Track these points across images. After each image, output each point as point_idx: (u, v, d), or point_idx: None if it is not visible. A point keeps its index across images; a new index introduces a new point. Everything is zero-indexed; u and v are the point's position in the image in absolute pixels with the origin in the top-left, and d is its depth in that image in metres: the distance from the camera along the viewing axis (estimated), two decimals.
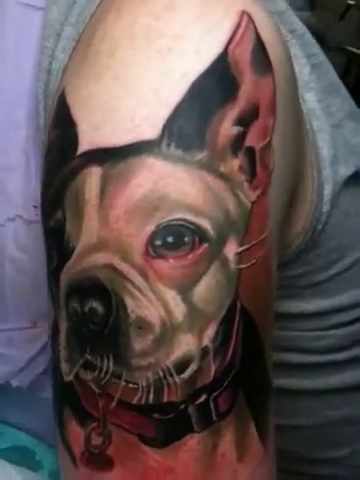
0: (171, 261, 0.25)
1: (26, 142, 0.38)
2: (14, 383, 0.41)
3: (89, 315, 0.25)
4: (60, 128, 0.28)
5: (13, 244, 0.39)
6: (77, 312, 0.26)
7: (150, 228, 0.25)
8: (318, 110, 0.36)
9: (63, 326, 0.27)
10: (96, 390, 0.26)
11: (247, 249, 0.26)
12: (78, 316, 0.26)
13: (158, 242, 0.25)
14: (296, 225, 0.34)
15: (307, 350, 0.39)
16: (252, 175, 0.27)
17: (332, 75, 0.39)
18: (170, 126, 0.25)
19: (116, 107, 0.26)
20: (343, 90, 0.39)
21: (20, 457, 0.42)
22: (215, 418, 0.25)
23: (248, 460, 0.26)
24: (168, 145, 0.25)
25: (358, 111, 0.40)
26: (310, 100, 0.36)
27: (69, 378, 0.26)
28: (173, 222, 0.25)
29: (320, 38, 0.46)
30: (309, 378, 0.41)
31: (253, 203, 0.27)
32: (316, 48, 0.38)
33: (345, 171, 0.37)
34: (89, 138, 0.26)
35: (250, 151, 0.27)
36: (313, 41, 0.38)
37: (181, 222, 0.25)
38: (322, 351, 0.40)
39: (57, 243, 0.27)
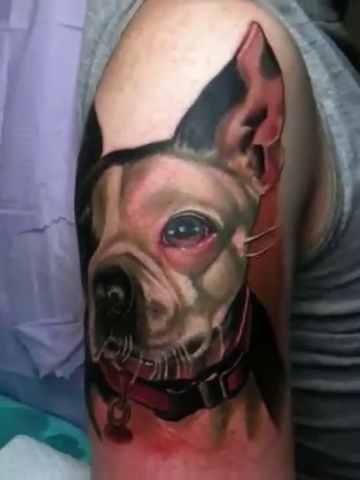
0: (183, 249, 0.27)
1: (69, 151, 0.42)
2: (58, 374, 0.44)
3: (112, 300, 0.28)
4: (89, 133, 0.31)
5: (57, 244, 0.43)
6: (102, 298, 0.28)
7: (164, 220, 0.28)
8: (336, 116, 0.37)
9: (92, 313, 0.29)
10: (118, 368, 0.28)
11: (256, 239, 0.28)
12: (103, 302, 0.28)
13: (171, 232, 0.27)
14: (317, 226, 0.36)
15: (337, 352, 0.40)
16: (261, 171, 0.29)
17: (352, 84, 0.40)
18: (183, 127, 0.28)
19: (134, 112, 0.29)
20: None
21: (64, 445, 0.45)
22: (225, 396, 0.27)
23: (259, 438, 0.27)
24: (180, 145, 0.28)
25: None
26: (329, 106, 0.37)
27: (96, 359, 0.29)
28: (184, 214, 0.27)
29: (352, 49, 0.47)
30: (341, 380, 0.41)
31: (262, 196, 0.29)
32: (336, 58, 0.39)
33: None
34: (111, 141, 0.29)
35: (259, 149, 0.29)
36: (333, 52, 0.40)
37: (192, 214, 0.27)
38: (352, 354, 0.40)
39: (85, 237, 0.30)
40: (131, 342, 0.27)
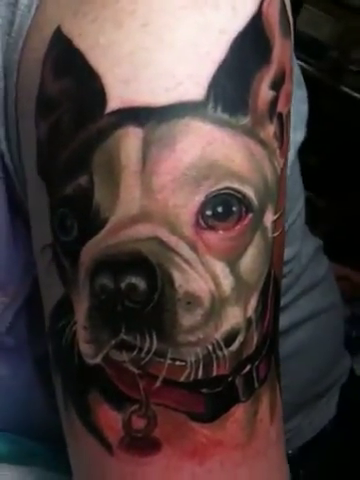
0: (221, 232, 0.24)
1: None
2: None
3: (126, 292, 0.23)
4: (74, 79, 0.24)
5: None
6: (108, 289, 0.23)
7: (199, 198, 0.24)
8: None
9: (83, 305, 0.24)
10: (135, 371, 0.24)
11: (279, 217, 0.26)
12: (109, 293, 0.23)
13: (208, 212, 0.24)
14: None
15: None
16: (282, 142, 0.26)
17: None
18: (215, 86, 0.24)
19: (149, 60, 0.23)
20: None
21: None
22: (256, 386, 0.25)
23: (277, 420, 0.27)
24: (214, 107, 0.24)
25: (302, 79, 0.42)
26: None
27: (95, 360, 0.24)
28: (222, 191, 0.24)
29: None
30: None
31: (281, 170, 0.26)
32: None
33: (300, 136, 0.38)
34: (119, 94, 0.23)
35: (280, 117, 0.26)
36: None
37: (229, 191, 0.24)
38: None
39: (78, 213, 0.24)
40: (155, 340, 0.23)
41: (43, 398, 0.35)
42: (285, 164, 0.27)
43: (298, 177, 0.43)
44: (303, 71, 0.41)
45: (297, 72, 0.40)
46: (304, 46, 1.09)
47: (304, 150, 0.41)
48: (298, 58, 0.37)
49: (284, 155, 0.27)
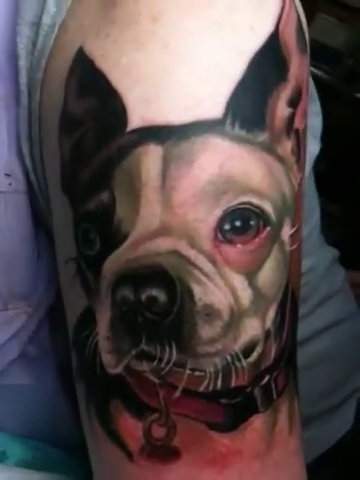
0: (239, 246, 0.25)
1: None
2: None
3: (146, 303, 0.24)
4: (96, 98, 0.25)
5: None
6: (129, 301, 0.24)
7: (218, 212, 0.24)
8: None
9: (105, 316, 0.25)
10: (155, 381, 0.24)
11: (296, 231, 0.27)
12: (130, 305, 0.24)
13: (226, 227, 0.24)
14: None
15: None
16: (298, 157, 0.27)
17: None
18: (233, 104, 0.24)
19: (169, 79, 0.24)
20: None
21: None
22: (275, 396, 0.26)
23: (295, 431, 0.27)
24: (232, 124, 0.24)
25: (315, 93, 0.42)
26: None
27: (117, 370, 0.25)
28: (240, 206, 0.24)
29: None
30: None
31: (298, 185, 0.27)
32: None
33: (314, 150, 0.39)
34: (141, 113, 0.24)
35: (297, 133, 0.27)
36: None
37: (247, 206, 0.25)
38: None
39: (100, 228, 0.25)
40: (174, 351, 0.24)
41: (66, 406, 0.36)
42: (302, 179, 0.27)
43: (313, 191, 0.43)
44: (318, 79, 0.41)
45: (310, 85, 0.41)
46: (319, 54, 1.10)
47: (318, 157, 0.42)
48: (312, 66, 0.38)
49: (301, 170, 0.27)
